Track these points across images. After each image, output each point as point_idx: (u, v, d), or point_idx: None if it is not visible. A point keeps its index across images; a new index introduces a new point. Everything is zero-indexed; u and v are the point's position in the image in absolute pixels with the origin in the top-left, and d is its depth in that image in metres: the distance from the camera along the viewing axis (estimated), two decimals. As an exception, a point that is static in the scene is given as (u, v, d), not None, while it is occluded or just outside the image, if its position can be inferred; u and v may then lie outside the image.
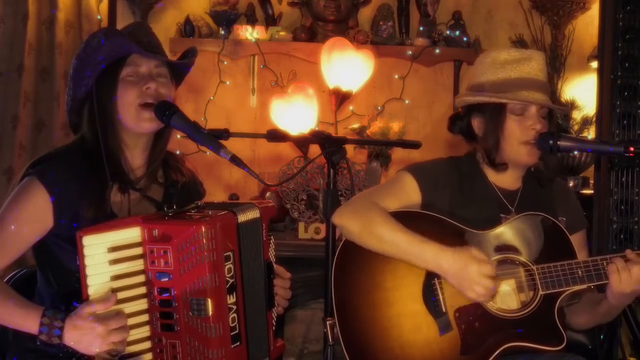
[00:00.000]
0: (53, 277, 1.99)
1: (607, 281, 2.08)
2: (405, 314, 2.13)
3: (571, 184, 3.87)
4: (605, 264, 2.09)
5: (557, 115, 2.28)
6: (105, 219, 1.90)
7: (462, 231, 2.17)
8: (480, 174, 2.29)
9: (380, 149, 3.90)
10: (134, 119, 2.00)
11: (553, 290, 2.11)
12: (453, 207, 2.22)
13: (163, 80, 2.05)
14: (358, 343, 2.13)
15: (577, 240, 2.28)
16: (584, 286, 2.12)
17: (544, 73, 2.25)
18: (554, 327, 2.10)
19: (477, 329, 2.10)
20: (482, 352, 2.09)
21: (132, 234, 1.82)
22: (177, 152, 2.29)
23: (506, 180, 2.29)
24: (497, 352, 2.08)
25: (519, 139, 2.19)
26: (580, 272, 2.10)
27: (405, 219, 2.17)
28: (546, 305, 2.11)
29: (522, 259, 2.15)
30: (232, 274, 1.87)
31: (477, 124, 2.28)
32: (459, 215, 2.19)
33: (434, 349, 2.11)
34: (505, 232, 2.17)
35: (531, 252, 2.15)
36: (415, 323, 2.13)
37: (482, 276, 2.02)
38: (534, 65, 2.22)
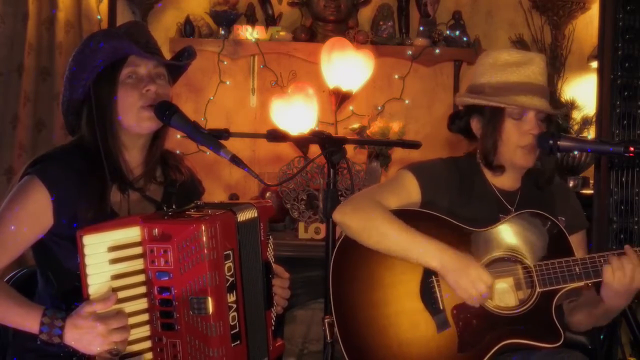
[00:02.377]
0: (53, 277, 1.99)
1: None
2: (403, 312, 2.14)
3: (571, 184, 3.87)
4: (602, 261, 2.09)
5: (557, 118, 2.28)
6: (105, 219, 1.90)
7: (460, 229, 2.18)
8: (480, 174, 2.30)
9: (380, 149, 3.90)
10: (135, 120, 2.01)
11: (550, 288, 2.12)
12: (452, 206, 2.23)
13: (162, 81, 2.06)
14: (356, 341, 2.14)
15: (576, 240, 2.29)
16: (581, 283, 2.13)
17: (544, 77, 2.26)
18: (552, 324, 2.10)
19: (474, 326, 2.11)
20: (480, 349, 2.10)
21: (132, 233, 1.82)
22: (177, 152, 2.29)
23: (505, 180, 2.30)
24: (495, 349, 2.09)
25: (516, 142, 2.20)
26: (577, 270, 2.11)
27: (404, 217, 2.18)
28: (544, 303, 2.12)
29: (520, 256, 2.16)
30: (232, 272, 1.87)
31: (475, 124, 2.29)
32: (458, 215, 2.20)
33: (432, 346, 2.11)
34: (503, 230, 2.17)
35: (529, 250, 2.16)
36: (413, 321, 2.13)
37: (480, 280, 2.04)
38: (534, 69, 2.22)
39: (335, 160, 2.03)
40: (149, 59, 2.02)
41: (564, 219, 2.27)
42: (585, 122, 4.03)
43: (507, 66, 2.23)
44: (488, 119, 2.23)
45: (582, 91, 4.19)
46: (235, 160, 1.88)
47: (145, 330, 1.84)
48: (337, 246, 2.18)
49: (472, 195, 2.26)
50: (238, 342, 1.87)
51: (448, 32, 4.28)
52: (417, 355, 2.12)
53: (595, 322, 2.27)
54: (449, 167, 2.30)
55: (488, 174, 2.30)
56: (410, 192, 2.25)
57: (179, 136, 2.10)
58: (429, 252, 2.10)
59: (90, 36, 2.03)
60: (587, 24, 4.34)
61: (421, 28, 4.28)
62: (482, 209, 2.24)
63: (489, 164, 2.26)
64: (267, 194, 3.85)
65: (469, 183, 2.28)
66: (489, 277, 2.05)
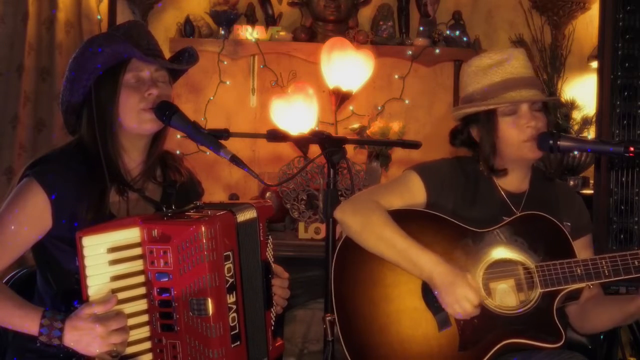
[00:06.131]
0: (52, 278, 1.99)
1: (605, 280, 2.09)
2: (405, 310, 2.14)
3: (571, 184, 3.86)
4: (603, 263, 2.10)
5: (554, 105, 2.28)
6: (104, 220, 1.90)
7: (462, 230, 2.18)
8: (486, 175, 2.30)
9: (380, 149, 3.90)
10: (136, 122, 2.00)
11: (552, 288, 2.12)
12: (457, 207, 2.23)
13: (163, 83, 2.05)
14: (358, 339, 2.14)
15: (582, 243, 2.29)
16: (583, 284, 2.13)
17: (528, 68, 2.27)
18: (553, 325, 2.11)
19: (476, 326, 2.11)
20: (481, 349, 2.10)
21: (132, 234, 1.82)
22: (177, 152, 2.29)
23: (512, 182, 2.30)
24: (496, 348, 2.10)
25: (518, 138, 2.20)
26: (579, 271, 2.11)
27: (407, 217, 2.18)
28: (545, 303, 2.12)
29: (521, 258, 2.16)
30: (231, 273, 1.87)
31: (475, 133, 2.30)
32: (462, 216, 2.20)
33: (433, 345, 2.12)
34: (505, 232, 2.18)
35: (530, 252, 2.16)
36: (415, 319, 2.14)
37: (465, 299, 2.04)
38: (514, 63, 2.24)
39: (335, 160, 2.03)
40: (151, 62, 2.02)
41: (569, 224, 2.27)
42: (585, 122, 4.02)
43: (489, 69, 2.25)
44: (482, 124, 2.24)
45: (582, 91, 4.19)
46: (235, 160, 1.88)
47: (145, 332, 1.84)
48: (339, 245, 2.18)
49: (477, 196, 2.27)
50: (238, 342, 1.87)
51: (448, 32, 4.28)
52: (418, 353, 2.12)
53: (623, 320, 2.24)
54: (454, 168, 2.30)
55: (494, 176, 2.30)
56: (415, 193, 2.25)
57: (179, 136, 2.10)
58: (420, 263, 2.10)
59: (90, 40, 2.03)
60: (587, 24, 4.33)
61: (421, 28, 4.28)
62: (486, 210, 2.24)
63: (490, 168, 2.26)
64: (267, 194, 3.85)
65: (473, 184, 2.28)
66: (476, 296, 2.05)
